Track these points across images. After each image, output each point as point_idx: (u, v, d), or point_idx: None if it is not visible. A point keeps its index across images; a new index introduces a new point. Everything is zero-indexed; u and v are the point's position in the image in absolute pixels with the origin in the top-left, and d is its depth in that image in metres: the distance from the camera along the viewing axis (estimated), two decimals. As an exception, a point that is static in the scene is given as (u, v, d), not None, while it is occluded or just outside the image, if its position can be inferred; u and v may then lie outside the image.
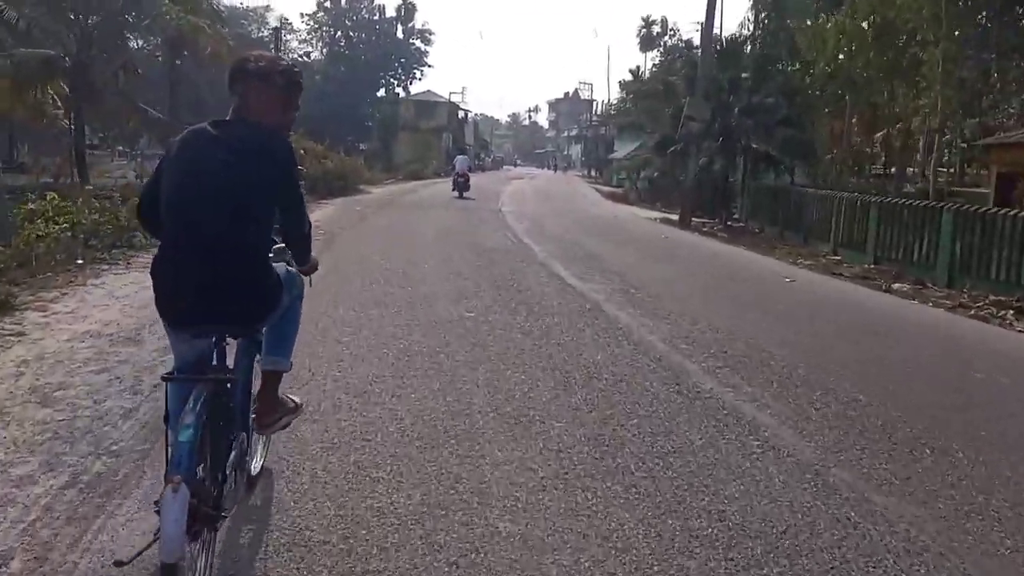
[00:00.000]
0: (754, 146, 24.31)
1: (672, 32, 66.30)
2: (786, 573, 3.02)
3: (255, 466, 3.44)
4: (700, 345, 6.75)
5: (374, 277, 9.53)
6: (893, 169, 31.27)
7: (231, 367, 3.00)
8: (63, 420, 4.32)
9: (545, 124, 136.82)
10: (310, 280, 3.41)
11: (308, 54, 67.96)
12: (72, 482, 3.57)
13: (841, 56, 20.34)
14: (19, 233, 9.58)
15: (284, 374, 3.31)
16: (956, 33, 15.64)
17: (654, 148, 25.42)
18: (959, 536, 3.42)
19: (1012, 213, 12.07)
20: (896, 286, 12.51)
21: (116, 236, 10.95)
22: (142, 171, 19.13)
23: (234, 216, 2.66)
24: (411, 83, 67.55)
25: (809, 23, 24.38)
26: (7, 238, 9.38)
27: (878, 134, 29.09)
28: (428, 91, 67.84)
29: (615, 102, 69.54)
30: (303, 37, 67.91)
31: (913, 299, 11.16)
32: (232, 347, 3.06)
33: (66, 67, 18.85)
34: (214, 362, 2.86)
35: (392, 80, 68.95)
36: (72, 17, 19.38)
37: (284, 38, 67.19)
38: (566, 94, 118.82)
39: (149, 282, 2.80)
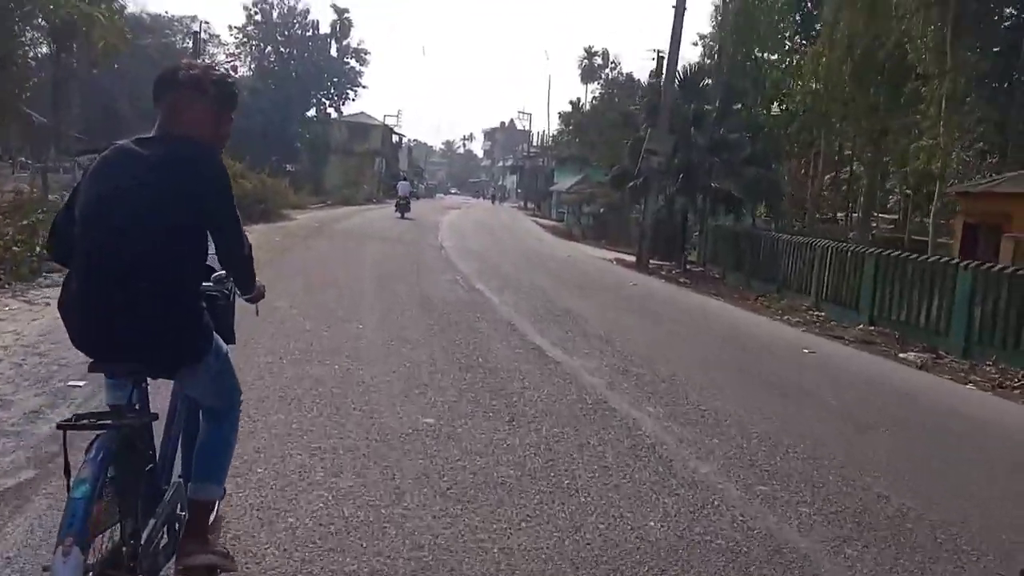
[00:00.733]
0: (714, 185, 22.66)
1: (614, 64, 65.66)
2: None
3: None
4: (787, 485, 4.45)
5: (286, 346, 6.90)
6: (839, 215, 30.26)
7: (154, 409, 2.56)
8: None
9: (480, 153, 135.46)
10: (256, 309, 3.08)
11: (235, 67, 64.39)
12: None
13: (816, 89, 18.83)
14: None
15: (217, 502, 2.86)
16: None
17: (610, 182, 23.48)
18: None
19: (1054, 277, 10.37)
20: (905, 355, 10.63)
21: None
22: (33, 185, 16.15)
23: (155, 240, 2.40)
24: (344, 104, 64.68)
25: (776, 56, 22.93)
26: None
27: (827, 177, 27.99)
28: (362, 113, 65.08)
29: (554, 133, 68.23)
30: (231, 50, 64.35)
31: (940, 375, 9.26)
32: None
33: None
34: (134, 404, 2.46)
35: (324, 100, 65.96)
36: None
37: (210, 51, 63.85)
38: (502, 123, 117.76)
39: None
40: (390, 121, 68.07)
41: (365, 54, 66.28)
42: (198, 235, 2.53)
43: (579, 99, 64.99)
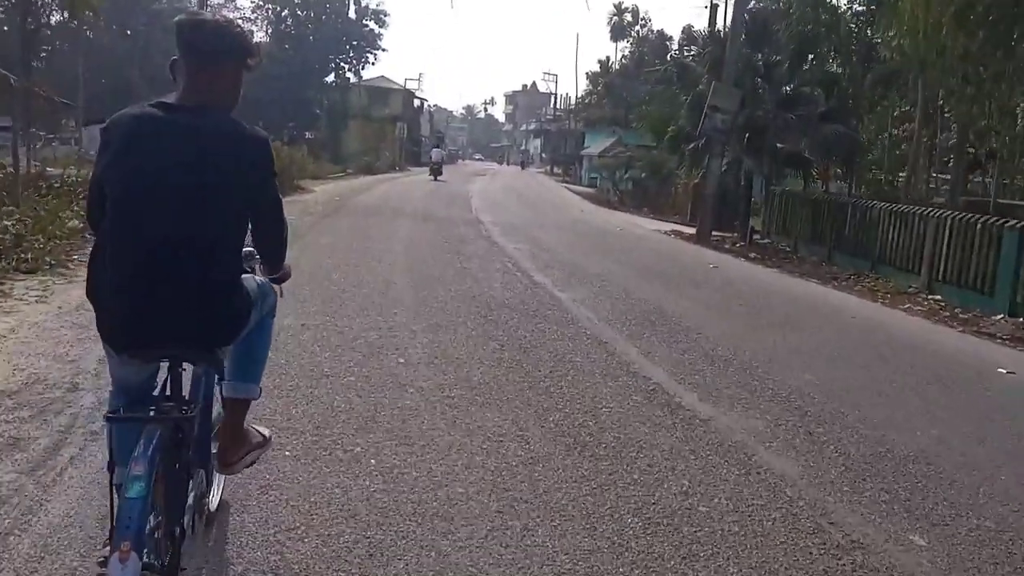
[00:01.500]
0: (779, 145, 19.77)
1: (644, 22, 62.02)
2: None
3: (213, 503, 2.87)
4: None
5: (310, 390, 4.48)
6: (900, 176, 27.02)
7: (188, 397, 2.45)
8: None
9: (501, 118, 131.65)
10: (280, 290, 2.86)
11: (251, 32, 61.54)
12: None
13: (912, 33, 15.77)
14: None
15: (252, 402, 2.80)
16: None
17: (668, 144, 20.59)
18: None
19: None
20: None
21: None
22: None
23: (199, 222, 2.22)
24: (363, 68, 61.68)
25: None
26: None
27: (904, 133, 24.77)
28: (382, 76, 62.07)
29: (582, 95, 64.92)
30: (247, 15, 61.45)
31: None
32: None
33: None
34: (167, 392, 2.36)
35: (343, 64, 63.01)
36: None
37: (225, 16, 60.91)
38: (524, 86, 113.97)
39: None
40: (411, 85, 65.05)
41: (384, 15, 63.27)
42: (243, 217, 2.36)
43: (608, 58, 61.64)
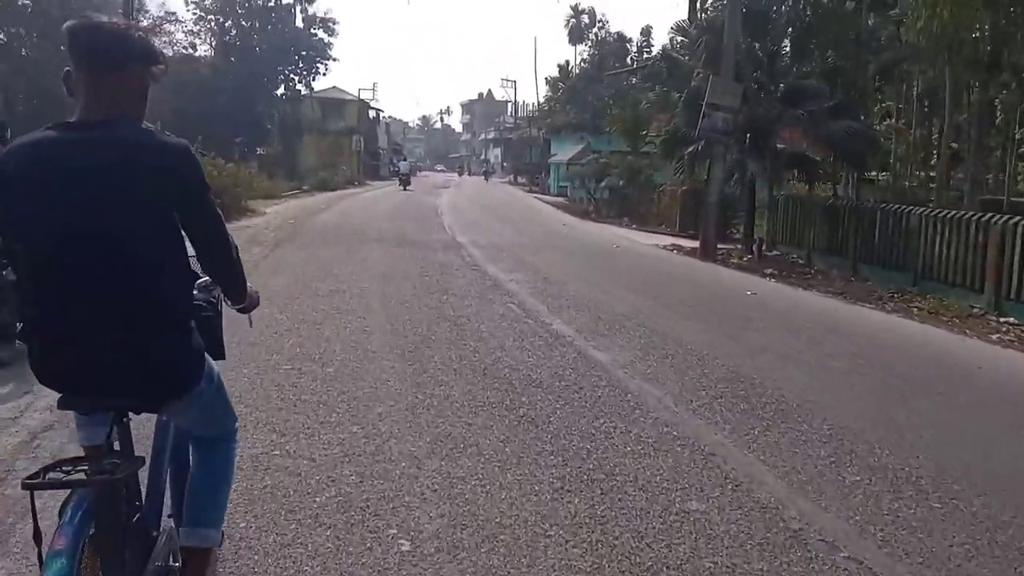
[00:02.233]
0: (780, 145, 17.76)
1: (601, 23, 60.24)
2: None
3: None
4: None
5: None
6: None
7: (155, 447, 2.29)
8: None
9: (458, 127, 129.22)
10: (250, 320, 2.53)
11: (194, 45, 58.26)
12: None
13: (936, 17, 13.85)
14: None
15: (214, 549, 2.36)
16: None
17: (661, 147, 18.37)
18: None
19: None
20: None
21: None
22: None
23: (130, 252, 1.93)
24: (314, 79, 58.72)
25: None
26: None
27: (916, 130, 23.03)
28: (334, 87, 59.17)
29: (542, 100, 62.86)
30: (189, 27, 58.13)
31: None
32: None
33: None
34: (114, 444, 2.07)
35: (292, 76, 60.01)
36: None
37: (167, 29, 57.72)
38: (480, 95, 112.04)
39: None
40: (365, 95, 62.25)
41: (333, 23, 60.21)
42: (177, 240, 2.02)
43: (568, 62, 59.73)
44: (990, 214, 11.90)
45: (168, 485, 2.41)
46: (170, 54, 58.99)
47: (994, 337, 9.08)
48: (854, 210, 15.46)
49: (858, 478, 4.02)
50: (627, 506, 3.53)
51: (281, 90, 59.64)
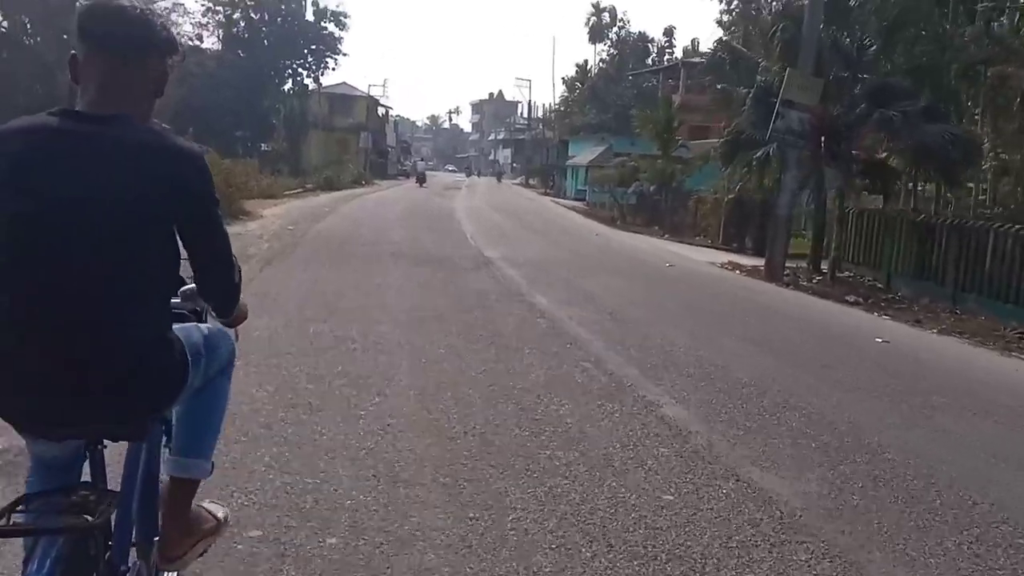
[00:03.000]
0: (854, 152, 15.21)
1: (622, 23, 57.65)
2: None
3: None
4: None
5: None
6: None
7: (111, 486, 1.90)
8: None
9: (467, 127, 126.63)
10: (236, 333, 2.23)
11: (200, 37, 55.80)
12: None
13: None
14: None
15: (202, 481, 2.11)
16: None
17: (723, 150, 15.73)
18: None
19: None
20: None
21: None
22: None
23: (116, 262, 1.69)
24: (323, 73, 56.23)
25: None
26: None
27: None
28: (343, 83, 56.64)
29: (558, 100, 60.29)
30: (197, 20, 55.65)
31: None
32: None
33: None
34: (85, 477, 1.89)
35: (301, 70, 57.50)
36: None
37: (175, 20, 55.35)
38: (491, 95, 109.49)
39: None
40: (375, 92, 59.69)
41: (344, 17, 57.74)
42: (171, 254, 1.80)
43: (587, 61, 57.15)
44: None
45: (136, 511, 1.99)
46: (176, 46, 56.69)
47: None
48: (954, 229, 12.83)
49: None
50: None
51: (289, 85, 57.26)
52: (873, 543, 3.30)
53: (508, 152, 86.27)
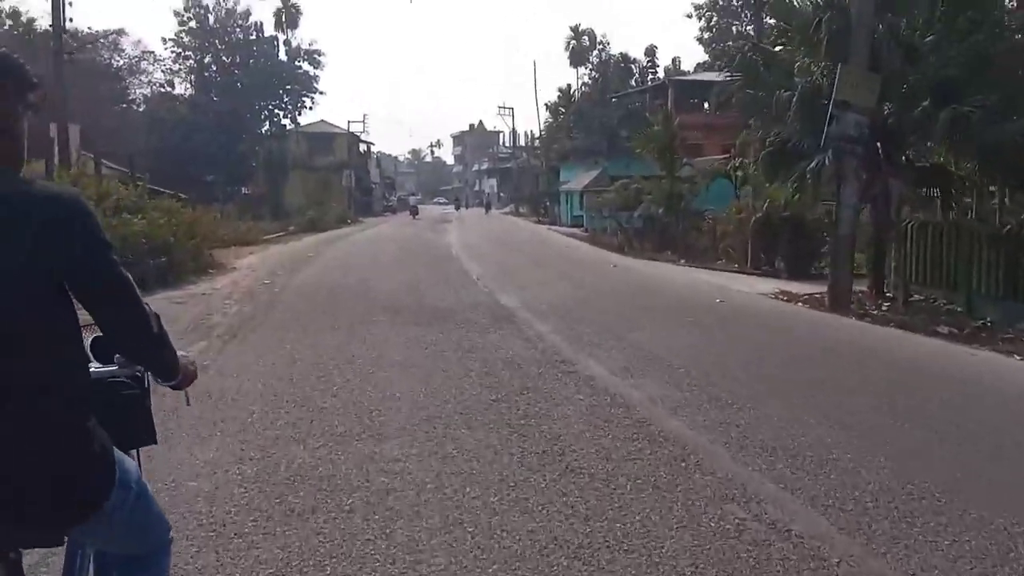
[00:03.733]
0: (908, 157, 13.10)
1: (602, 44, 56.03)
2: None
3: None
4: None
5: None
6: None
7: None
8: None
9: (450, 159, 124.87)
10: (187, 397, 2.06)
11: (171, 82, 53.75)
12: None
13: None
14: None
15: None
16: None
17: (765, 163, 13.46)
18: None
19: None
20: None
21: None
22: None
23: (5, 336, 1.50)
24: (300, 113, 54.25)
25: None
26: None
27: None
28: (322, 121, 54.59)
29: (543, 126, 58.41)
30: (168, 66, 53.65)
31: None
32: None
33: None
34: None
35: (277, 111, 55.46)
36: None
37: (146, 69, 53.28)
38: (471, 126, 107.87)
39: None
40: (355, 128, 57.60)
41: (318, 55, 56.00)
42: (64, 312, 1.60)
43: (570, 85, 55.43)
44: None
45: None
46: (148, 93, 54.63)
47: None
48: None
49: None
50: None
51: (266, 126, 55.16)
52: None
53: (493, 182, 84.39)
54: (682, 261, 21.88)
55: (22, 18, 39.82)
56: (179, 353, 1.83)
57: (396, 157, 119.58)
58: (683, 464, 4.24)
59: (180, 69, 54.45)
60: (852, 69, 11.72)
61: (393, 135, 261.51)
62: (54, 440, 1.54)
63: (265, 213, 41.13)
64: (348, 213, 44.52)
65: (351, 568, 2.99)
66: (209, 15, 54.75)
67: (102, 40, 46.88)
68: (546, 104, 58.38)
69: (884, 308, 12.12)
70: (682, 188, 25.71)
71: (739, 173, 28.09)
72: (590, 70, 56.42)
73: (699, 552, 3.17)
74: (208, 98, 52.54)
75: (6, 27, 38.72)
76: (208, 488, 3.75)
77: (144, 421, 1.94)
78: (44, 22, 29.91)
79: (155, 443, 1.98)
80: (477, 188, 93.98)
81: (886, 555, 3.17)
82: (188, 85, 54.68)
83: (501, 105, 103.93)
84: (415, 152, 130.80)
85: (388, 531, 3.33)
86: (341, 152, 53.72)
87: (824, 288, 14.17)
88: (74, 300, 1.63)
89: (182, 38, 53.80)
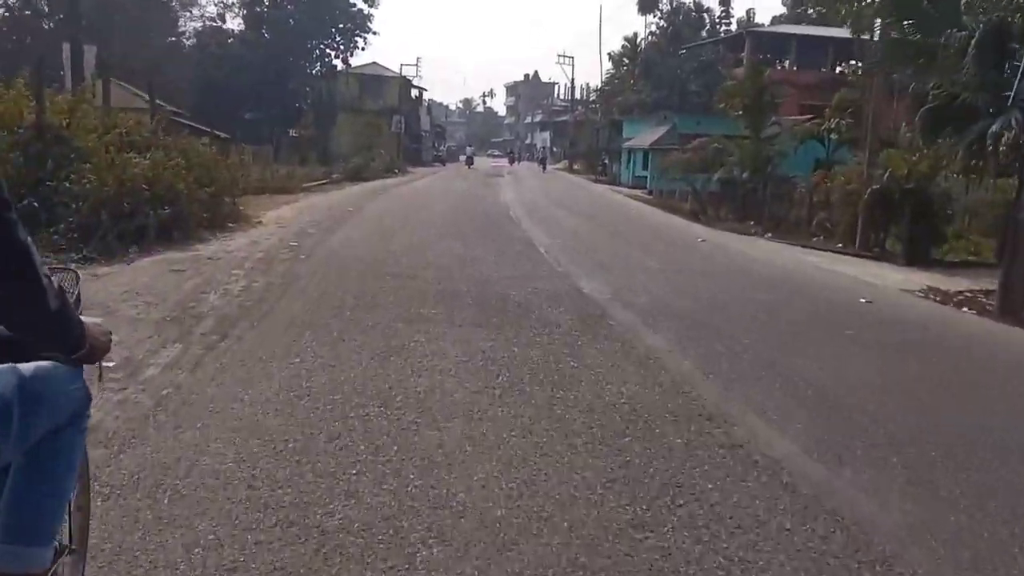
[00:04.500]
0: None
1: (672, -10, 51.82)
2: None
3: None
4: None
5: None
6: None
7: None
8: None
9: (501, 111, 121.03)
10: (100, 371, 1.79)
11: (223, 16, 51.44)
12: None
13: None
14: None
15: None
16: None
17: (923, 122, 10.41)
18: None
19: None
20: None
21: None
22: None
23: None
24: (352, 54, 51.38)
25: None
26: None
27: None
28: (374, 63, 51.74)
29: (606, 78, 54.85)
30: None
31: None
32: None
33: None
34: None
35: (329, 51, 52.71)
36: None
37: (199, 2, 51.12)
38: (526, 76, 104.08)
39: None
40: (408, 72, 54.71)
41: (374, -8, 52.74)
42: None
43: (636, 34, 51.57)
44: None
45: None
46: (198, 27, 52.47)
47: None
48: None
49: None
50: None
51: (317, 67, 52.54)
52: None
53: (547, 135, 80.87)
54: (768, 235, 19.01)
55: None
56: (89, 321, 1.60)
57: (447, 106, 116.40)
58: None
59: (233, 2, 52.02)
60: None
61: (445, 83, 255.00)
62: None
63: (312, 156, 38.92)
64: (397, 162, 42.00)
65: None
66: (262, -55, 51.88)
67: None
68: (609, 54, 54.62)
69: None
70: (771, 151, 22.60)
71: (833, 136, 24.85)
72: (659, 18, 52.40)
73: None
74: (259, 34, 50.08)
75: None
76: None
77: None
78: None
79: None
80: (529, 141, 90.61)
81: None
82: (239, 19, 52.28)
83: (561, 53, 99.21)
84: (467, 102, 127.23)
85: None
86: (392, 97, 51.04)
87: (960, 280, 11.42)
88: None
89: (235, -32, 51.13)
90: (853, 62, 44.96)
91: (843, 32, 41.37)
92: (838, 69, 42.91)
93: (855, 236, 16.40)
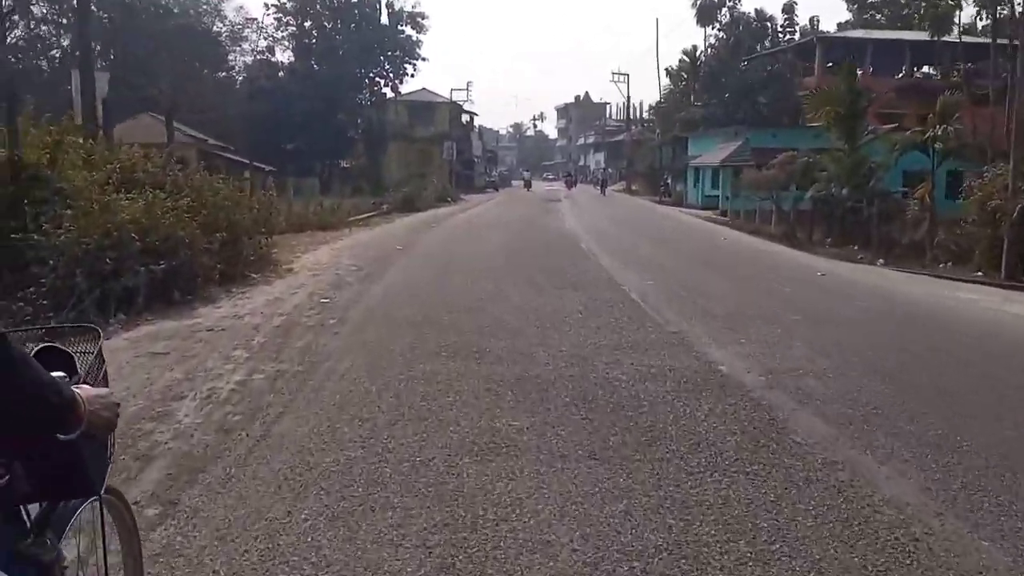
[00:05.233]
0: None
1: (732, 2, 49.00)
2: None
3: None
4: None
5: None
6: None
7: None
8: None
9: (552, 133, 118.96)
10: (109, 450, 1.62)
11: (271, 48, 50.71)
12: None
13: None
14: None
15: None
16: None
17: None
18: None
19: None
20: None
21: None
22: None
23: None
24: (402, 81, 50.01)
25: None
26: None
27: None
28: (423, 89, 50.24)
29: (664, 94, 52.17)
30: (270, 33, 50.62)
31: None
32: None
33: None
34: None
35: (378, 79, 51.45)
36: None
37: (250, 36, 50.58)
38: (576, 97, 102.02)
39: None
40: (458, 96, 53.00)
41: (422, 18, 51.43)
42: None
43: (695, 47, 48.88)
44: None
45: None
46: (249, 61, 51.85)
47: None
48: None
49: None
50: None
51: (367, 95, 51.33)
52: None
53: (600, 156, 78.32)
54: (881, 261, 16.17)
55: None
56: (91, 392, 1.41)
57: (497, 131, 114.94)
58: None
59: (283, 36, 51.26)
60: None
61: (495, 107, 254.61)
62: None
63: (364, 186, 37.33)
64: (449, 189, 40.02)
65: None
66: (311, -23, 51.12)
67: (204, 6, 44.21)
68: (667, 69, 51.95)
69: None
70: (872, 163, 19.70)
71: (937, 145, 21.76)
72: (718, 29, 49.68)
73: None
74: (308, 65, 49.16)
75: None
76: None
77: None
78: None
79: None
80: (582, 163, 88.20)
81: None
82: (289, 52, 51.50)
83: (615, 71, 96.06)
84: (517, 126, 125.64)
85: None
86: (443, 123, 49.35)
87: None
88: None
89: (284, 3, 50.41)
90: (928, 68, 41.60)
91: (921, 35, 38.21)
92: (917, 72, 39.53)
93: (999, 262, 13.51)
